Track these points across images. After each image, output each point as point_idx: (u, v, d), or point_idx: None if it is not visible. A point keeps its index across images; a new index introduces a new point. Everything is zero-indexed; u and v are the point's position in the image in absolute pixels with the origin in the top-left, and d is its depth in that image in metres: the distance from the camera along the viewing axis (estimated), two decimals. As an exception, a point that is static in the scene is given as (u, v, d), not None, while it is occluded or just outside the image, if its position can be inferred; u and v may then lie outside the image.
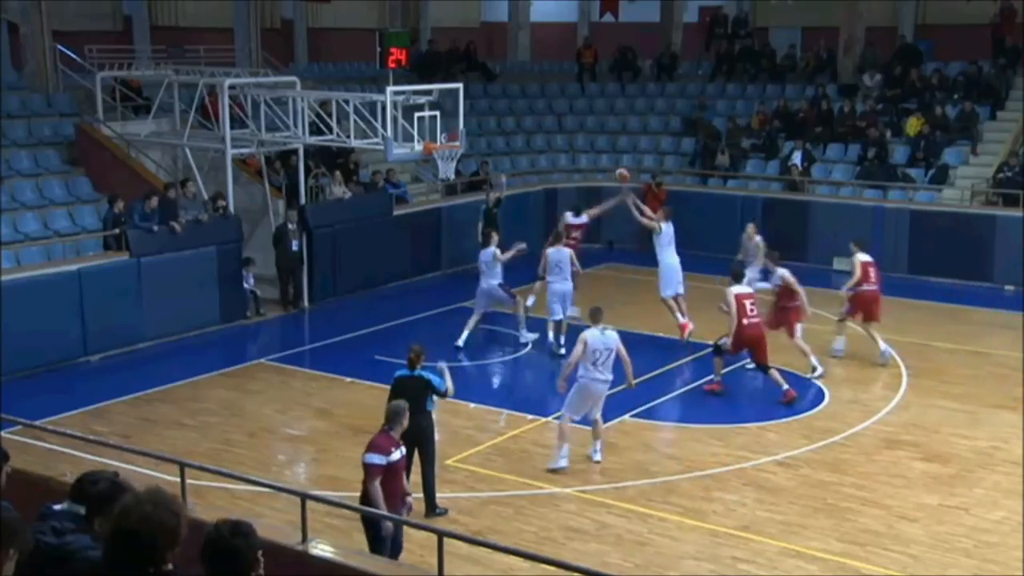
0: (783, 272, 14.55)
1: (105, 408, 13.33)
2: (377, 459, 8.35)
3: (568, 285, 15.60)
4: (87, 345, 15.09)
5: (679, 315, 15.95)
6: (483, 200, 19.51)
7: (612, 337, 11.23)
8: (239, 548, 3.77)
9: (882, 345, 14.84)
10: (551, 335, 15.69)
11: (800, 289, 14.43)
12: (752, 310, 13.52)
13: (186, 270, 16.25)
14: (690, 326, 15.80)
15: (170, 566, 3.62)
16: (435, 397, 10.02)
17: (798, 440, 12.32)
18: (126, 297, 15.48)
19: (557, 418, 11.88)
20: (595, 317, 11.44)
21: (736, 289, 13.58)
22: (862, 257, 14.97)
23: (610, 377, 11.31)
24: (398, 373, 10.17)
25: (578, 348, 11.18)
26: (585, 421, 11.61)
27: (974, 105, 22.28)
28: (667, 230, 16.09)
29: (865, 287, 14.87)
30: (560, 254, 15.62)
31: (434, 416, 10.16)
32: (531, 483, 11.09)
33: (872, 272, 14.92)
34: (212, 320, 16.77)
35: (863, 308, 15.01)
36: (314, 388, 14.37)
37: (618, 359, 11.28)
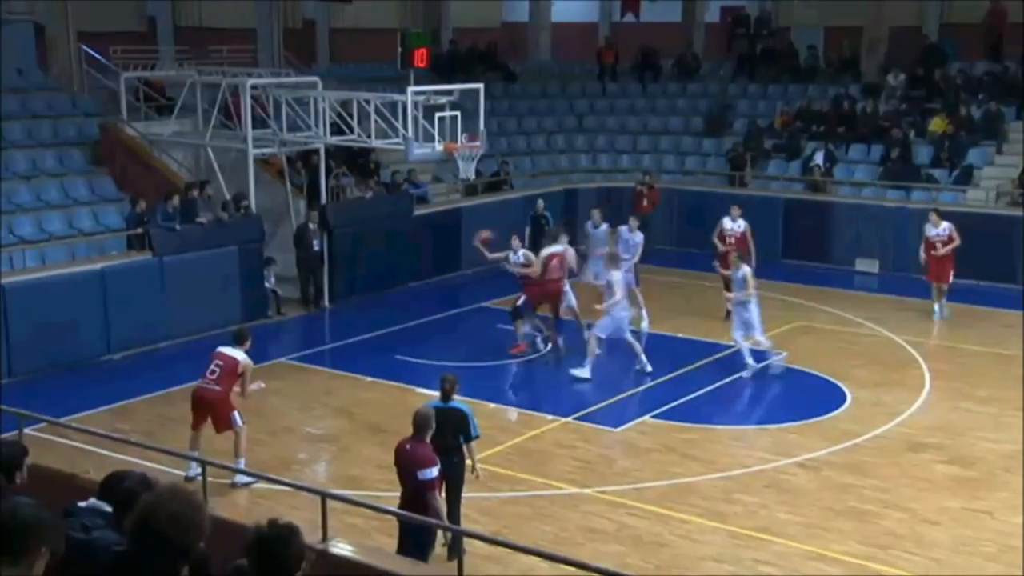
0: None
1: (128, 406, 13.41)
2: (436, 472, 8.30)
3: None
4: (110, 343, 15.19)
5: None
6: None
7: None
8: (289, 548, 3.80)
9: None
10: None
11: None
12: None
13: (208, 269, 16.32)
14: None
15: (201, 544, 3.65)
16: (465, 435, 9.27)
17: (819, 442, 12.24)
18: (149, 296, 15.56)
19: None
20: (614, 262, 14.47)
21: None
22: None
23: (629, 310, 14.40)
24: (431, 405, 9.41)
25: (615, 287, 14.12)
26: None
27: (999, 105, 22.09)
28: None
29: None
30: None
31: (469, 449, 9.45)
32: (551, 483, 11.08)
33: None
34: (233, 319, 16.74)
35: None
36: (334, 387, 14.40)
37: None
